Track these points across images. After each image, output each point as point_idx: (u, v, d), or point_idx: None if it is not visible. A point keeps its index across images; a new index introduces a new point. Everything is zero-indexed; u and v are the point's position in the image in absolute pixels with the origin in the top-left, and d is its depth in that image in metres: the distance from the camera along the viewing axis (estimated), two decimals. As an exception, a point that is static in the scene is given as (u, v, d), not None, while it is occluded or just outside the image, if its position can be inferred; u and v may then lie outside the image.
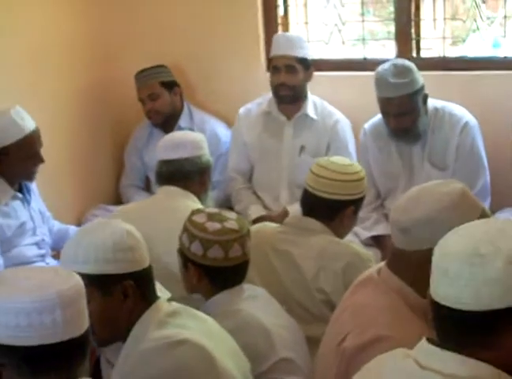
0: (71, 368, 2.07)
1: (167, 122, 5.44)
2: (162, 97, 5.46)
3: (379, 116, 4.90)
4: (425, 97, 4.75)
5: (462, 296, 1.89)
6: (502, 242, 1.88)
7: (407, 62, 4.77)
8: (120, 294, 2.74)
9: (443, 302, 1.94)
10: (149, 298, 2.82)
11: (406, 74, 4.66)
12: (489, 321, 1.89)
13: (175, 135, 4.56)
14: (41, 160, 4.54)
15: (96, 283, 2.66)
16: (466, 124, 4.81)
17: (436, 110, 4.85)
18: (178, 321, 2.81)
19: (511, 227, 1.96)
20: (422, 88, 4.71)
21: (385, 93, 4.69)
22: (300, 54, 5.09)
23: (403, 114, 4.70)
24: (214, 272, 3.26)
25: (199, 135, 4.44)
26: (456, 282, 1.90)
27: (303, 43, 5.17)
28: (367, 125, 5.02)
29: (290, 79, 5.09)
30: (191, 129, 5.04)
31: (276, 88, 5.14)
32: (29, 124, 4.48)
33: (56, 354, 2.03)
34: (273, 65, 5.17)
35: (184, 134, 4.56)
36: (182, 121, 5.50)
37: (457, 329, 1.93)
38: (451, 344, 1.95)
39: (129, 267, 2.76)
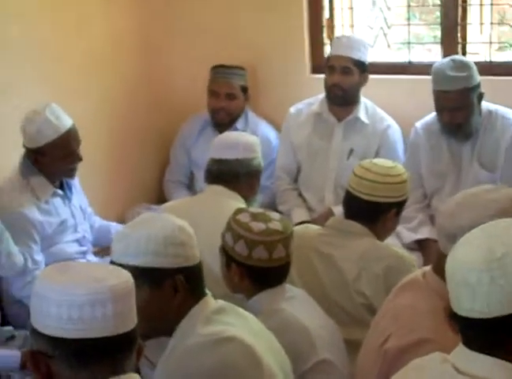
0: (119, 362, 2.08)
1: (227, 123, 5.45)
2: (238, 99, 5.50)
3: (431, 115, 4.91)
4: (480, 96, 4.76)
5: (488, 304, 1.90)
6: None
7: (465, 59, 4.83)
8: (170, 289, 2.74)
9: (470, 315, 1.95)
10: (198, 294, 2.82)
11: (464, 69, 4.68)
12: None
13: (230, 135, 4.56)
14: (79, 158, 4.53)
15: (146, 276, 2.67)
16: (518, 128, 4.82)
17: (489, 112, 4.85)
18: (225, 318, 2.82)
19: None
20: (478, 85, 4.73)
21: (443, 86, 4.70)
22: (357, 56, 5.09)
23: (458, 108, 4.71)
24: (257, 272, 3.27)
25: (254, 138, 4.42)
26: (478, 291, 1.90)
27: (361, 46, 5.16)
28: (418, 124, 5.01)
29: (344, 80, 5.10)
30: (245, 131, 5.03)
31: (330, 89, 5.16)
32: (65, 122, 4.47)
33: (105, 347, 2.04)
34: (329, 64, 5.19)
35: (239, 135, 4.54)
36: (239, 123, 5.51)
37: (489, 338, 1.95)
38: (481, 350, 1.96)
39: (181, 262, 2.76)
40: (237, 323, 2.84)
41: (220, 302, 2.90)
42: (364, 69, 5.13)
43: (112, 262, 2.70)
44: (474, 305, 1.92)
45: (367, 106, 5.23)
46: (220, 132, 5.14)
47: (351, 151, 5.15)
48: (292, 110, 5.38)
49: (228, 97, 5.47)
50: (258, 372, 2.74)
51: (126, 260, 2.68)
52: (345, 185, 3.99)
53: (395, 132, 5.21)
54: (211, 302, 2.86)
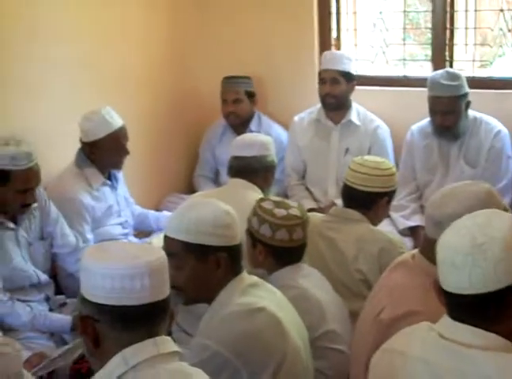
0: (154, 326, 2.09)
1: (240, 125, 5.43)
2: (244, 103, 5.48)
3: (425, 120, 4.94)
4: (468, 103, 4.80)
5: (470, 282, 1.93)
6: (494, 232, 1.94)
7: (457, 71, 4.85)
8: (213, 264, 2.75)
9: (455, 291, 1.98)
10: (236, 270, 2.83)
11: (456, 79, 4.72)
12: (495, 299, 1.92)
13: (247, 136, 4.58)
14: (127, 152, 4.58)
15: (194, 251, 2.70)
16: (499, 132, 4.87)
17: (475, 118, 4.89)
18: (257, 292, 2.83)
19: (496, 217, 2.03)
20: (466, 94, 4.76)
21: (437, 92, 4.75)
22: (342, 68, 5.11)
23: (448, 112, 4.75)
24: (279, 252, 3.28)
25: (268, 138, 4.44)
26: (463, 271, 1.93)
27: (345, 59, 5.18)
28: (414, 127, 5.04)
29: (333, 89, 5.12)
30: (259, 132, 5.02)
31: (323, 98, 5.18)
32: (117, 122, 4.53)
33: (143, 313, 2.05)
34: (320, 77, 5.21)
35: (255, 136, 4.57)
36: (253, 125, 5.50)
37: (470, 311, 1.97)
38: (464, 321, 1.98)
39: (225, 241, 2.77)
40: (267, 296, 2.86)
41: (254, 278, 2.92)
42: (350, 78, 5.16)
43: (165, 236, 2.77)
44: (459, 282, 1.96)
45: (359, 111, 5.24)
46: (238, 134, 5.18)
47: (347, 150, 5.16)
48: (296, 118, 5.39)
49: (235, 102, 5.48)
50: (283, 340, 2.75)
51: (178, 235, 2.72)
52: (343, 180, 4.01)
53: (384, 131, 5.22)
54: (246, 278, 2.87)
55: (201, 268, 2.74)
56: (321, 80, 5.20)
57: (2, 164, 3.78)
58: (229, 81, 5.50)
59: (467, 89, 4.74)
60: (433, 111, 4.82)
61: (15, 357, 1.68)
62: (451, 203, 2.70)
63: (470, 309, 1.98)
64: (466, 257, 1.94)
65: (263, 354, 2.70)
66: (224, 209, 2.83)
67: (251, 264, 3.36)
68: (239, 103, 5.48)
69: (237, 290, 2.79)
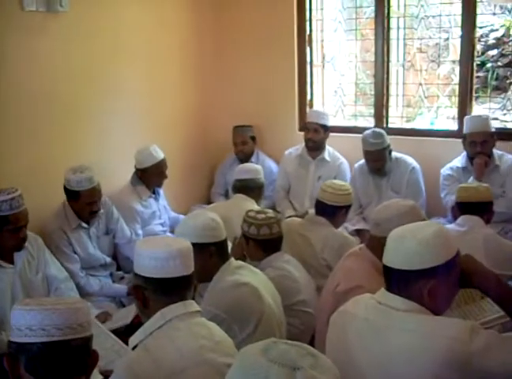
0: (183, 292, 2.11)
1: (245, 159, 5.39)
2: (248, 145, 5.45)
3: (362, 161, 4.90)
4: (390, 151, 4.77)
5: (401, 260, 1.95)
6: (417, 232, 1.95)
7: (380, 130, 4.79)
8: (208, 254, 2.76)
9: (390, 265, 1.99)
10: (224, 257, 2.84)
11: (380, 137, 4.69)
12: (413, 276, 1.93)
13: (245, 165, 4.58)
14: (165, 177, 4.59)
15: (194, 247, 2.64)
16: (413, 167, 4.83)
17: (396, 158, 4.84)
18: (242, 272, 2.85)
19: (421, 226, 2.03)
20: (388, 146, 4.73)
21: (367, 148, 4.72)
22: (321, 121, 5.06)
23: (376, 160, 4.74)
24: (264, 243, 3.29)
25: (259, 167, 4.48)
26: (399, 251, 1.96)
27: (323, 115, 5.14)
28: (356, 165, 4.99)
29: (315, 136, 5.08)
30: (257, 164, 4.99)
31: (306, 141, 5.14)
32: (160, 155, 4.54)
33: (175, 283, 2.07)
34: (306, 127, 5.17)
35: (250, 165, 4.57)
36: (253, 158, 5.46)
37: (398, 281, 1.97)
38: (396, 291, 1.98)
39: (212, 239, 2.78)
40: (249, 274, 2.88)
41: (240, 262, 2.93)
42: (326, 129, 5.11)
43: None
44: (395, 259, 1.97)
45: (329, 151, 5.19)
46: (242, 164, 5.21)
47: (319, 177, 5.09)
48: (286, 152, 5.34)
49: (243, 144, 5.44)
50: (261, 304, 2.78)
51: (183, 237, 2.64)
52: (316, 197, 3.99)
53: (345, 166, 5.17)
54: (233, 262, 2.88)
55: (200, 258, 2.65)
56: (306, 129, 5.16)
57: (73, 186, 3.84)
58: (238, 129, 5.47)
59: (387, 142, 4.71)
60: (366, 159, 4.80)
61: (86, 310, 1.67)
62: (387, 210, 2.76)
63: (398, 281, 1.97)
64: (397, 243, 1.97)
65: (247, 313, 2.74)
66: (209, 217, 2.83)
67: (249, 257, 3.35)
68: (246, 145, 5.44)
69: (227, 271, 2.81)
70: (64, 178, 3.87)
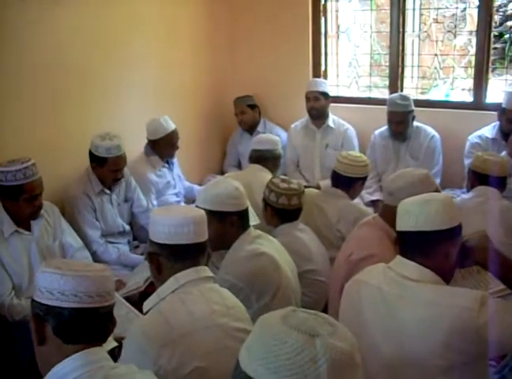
0: (197, 259, 2.13)
1: (250, 128, 5.40)
2: (247, 114, 5.41)
3: (383, 127, 4.90)
4: (413, 117, 4.77)
5: (416, 221, 1.98)
6: (431, 197, 2.04)
7: (407, 94, 4.84)
8: (229, 224, 2.76)
9: (407, 229, 2.02)
10: (245, 226, 2.83)
11: (406, 100, 4.70)
12: (432, 237, 1.97)
13: (263, 136, 4.53)
14: (177, 148, 4.58)
15: (215, 216, 2.68)
16: (433, 136, 4.83)
17: (417, 127, 4.84)
18: (260, 241, 2.85)
19: (432, 194, 2.12)
20: (412, 111, 4.72)
21: (393, 108, 4.71)
22: (321, 89, 5.06)
23: (400, 123, 4.73)
24: (281, 212, 3.29)
25: (277, 138, 4.43)
26: (411, 214, 2.00)
27: (322, 83, 5.13)
28: (377, 132, 4.99)
29: (316, 104, 5.07)
30: (265, 133, 5.00)
31: (309, 110, 5.14)
32: (171, 126, 4.52)
33: (189, 250, 2.09)
34: (307, 96, 5.14)
35: (268, 136, 4.53)
36: (260, 127, 5.45)
37: (413, 245, 2.01)
38: (409, 256, 2.01)
39: (235, 208, 2.77)
40: (267, 244, 2.87)
41: (258, 232, 2.92)
42: (327, 96, 5.10)
43: (197, 206, 2.73)
44: (412, 222, 1.99)
45: (333, 118, 5.18)
46: (251, 135, 5.29)
47: (327, 145, 5.11)
48: (292, 126, 5.34)
49: (241, 114, 5.41)
50: (279, 275, 2.78)
51: (204, 205, 2.69)
52: (326, 166, 4.03)
53: (351, 132, 5.16)
54: (252, 231, 2.88)
55: (221, 226, 2.73)
56: (307, 99, 5.14)
57: (101, 152, 3.88)
58: (237, 100, 5.46)
59: (413, 107, 4.71)
60: (390, 121, 4.78)
61: (112, 278, 1.70)
62: (400, 180, 2.75)
63: (413, 244, 2.01)
64: (417, 206, 2.00)
65: (264, 283, 2.73)
66: (233, 185, 2.81)
67: (265, 221, 3.36)
68: (243, 114, 5.41)
69: (246, 241, 2.81)
70: (91, 143, 3.90)
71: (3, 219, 3.33)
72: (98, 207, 3.99)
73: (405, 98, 4.72)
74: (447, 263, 2.00)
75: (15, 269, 3.31)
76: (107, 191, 4.04)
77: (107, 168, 3.91)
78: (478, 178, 3.42)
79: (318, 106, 5.09)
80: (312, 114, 5.15)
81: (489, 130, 4.64)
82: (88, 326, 1.61)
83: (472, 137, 4.67)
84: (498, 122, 4.57)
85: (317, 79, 5.39)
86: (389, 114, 4.76)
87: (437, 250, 1.97)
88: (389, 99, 4.75)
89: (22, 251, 3.37)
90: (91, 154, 3.92)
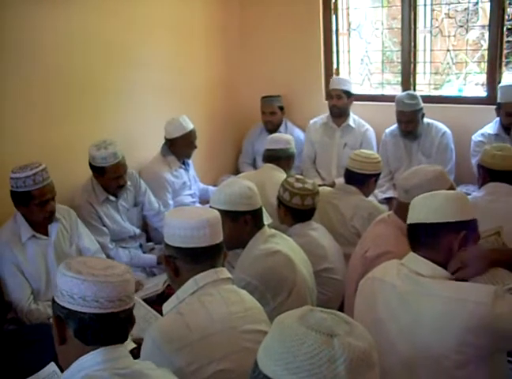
0: (214, 260, 2.14)
1: (273, 128, 5.37)
2: (277, 115, 5.41)
3: (394, 126, 4.89)
4: (423, 115, 4.75)
5: (424, 214, 2.02)
6: (444, 192, 2.09)
7: (415, 92, 4.81)
8: (243, 223, 2.78)
9: (419, 221, 2.05)
10: (259, 225, 2.84)
11: (414, 98, 4.67)
12: (444, 228, 2.00)
13: (276, 135, 4.53)
14: (195, 147, 4.59)
15: (229, 215, 2.70)
16: (444, 132, 4.80)
17: (428, 124, 4.82)
18: (275, 240, 2.85)
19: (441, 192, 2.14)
20: (421, 108, 4.70)
21: (401, 108, 4.69)
22: (344, 87, 5.05)
23: (409, 122, 4.71)
24: (295, 212, 3.30)
25: (290, 137, 4.43)
26: (422, 207, 2.05)
27: (346, 82, 5.12)
28: (387, 130, 4.98)
29: (338, 102, 5.07)
30: (285, 133, 4.97)
31: (331, 108, 5.13)
32: (189, 125, 4.54)
33: (205, 252, 2.10)
34: (330, 94, 5.16)
35: (281, 135, 4.53)
36: (281, 128, 5.44)
37: (426, 238, 2.03)
38: (423, 250, 2.03)
39: (249, 207, 2.78)
40: (282, 242, 2.88)
41: (272, 231, 2.92)
42: (350, 95, 5.09)
43: (211, 206, 2.75)
44: (424, 214, 2.03)
45: (354, 118, 5.17)
46: (270, 134, 5.13)
47: (345, 145, 5.11)
48: (311, 122, 5.33)
49: (271, 114, 5.40)
50: (294, 273, 2.79)
51: (218, 205, 2.71)
52: (343, 165, 4.02)
53: (371, 132, 5.15)
54: (267, 230, 2.88)
55: (235, 226, 2.75)
56: (330, 96, 5.15)
57: (98, 163, 3.88)
58: (267, 99, 5.44)
59: (421, 105, 4.68)
60: (399, 121, 4.77)
61: (133, 281, 1.71)
62: (415, 177, 2.75)
63: (417, 236, 2.05)
64: (422, 199, 2.06)
65: (280, 282, 2.74)
66: (246, 185, 2.82)
67: (278, 220, 3.37)
68: (274, 115, 5.40)
69: (260, 239, 2.82)
70: (89, 154, 3.89)
71: (20, 224, 3.37)
72: (104, 214, 3.99)
73: (413, 96, 4.68)
74: (452, 257, 2.01)
75: (32, 274, 3.35)
76: (113, 198, 4.04)
77: (107, 176, 3.91)
78: (488, 173, 3.36)
79: (340, 105, 5.08)
80: (333, 112, 5.14)
81: (491, 127, 4.62)
82: (108, 330, 1.63)
83: (476, 136, 4.65)
84: (498, 118, 4.55)
85: (340, 77, 5.39)
86: (398, 113, 4.74)
87: (440, 243, 2.00)
88: (397, 99, 4.72)
89: (39, 256, 3.41)
90: (90, 164, 3.93)
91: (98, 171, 3.90)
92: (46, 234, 3.45)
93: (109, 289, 1.60)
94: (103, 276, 1.62)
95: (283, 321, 1.22)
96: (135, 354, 2.53)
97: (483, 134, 4.62)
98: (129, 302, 1.68)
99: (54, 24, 3.91)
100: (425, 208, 2.02)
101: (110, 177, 3.91)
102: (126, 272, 1.69)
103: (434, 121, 4.85)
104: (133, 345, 2.77)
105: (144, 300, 3.36)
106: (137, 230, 4.23)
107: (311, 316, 1.22)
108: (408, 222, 2.08)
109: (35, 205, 3.31)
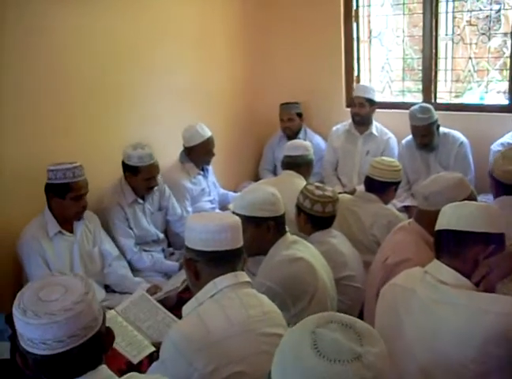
0: (234, 264, 2.15)
1: (292, 135, 5.36)
2: (295, 121, 5.42)
3: (409, 137, 4.87)
4: (438, 126, 4.70)
5: (449, 220, 2.02)
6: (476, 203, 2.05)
7: (428, 105, 4.74)
8: (265, 229, 2.79)
9: (442, 228, 2.04)
10: (282, 231, 2.86)
11: (427, 112, 4.63)
12: (472, 239, 1.98)
13: (294, 142, 4.54)
14: (213, 155, 4.59)
15: (252, 221, 2.73)
16: (462, 142, 4.76)
17: (444, 134, 4.77)
18: (297, 246, 2.86)
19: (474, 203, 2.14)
20: (436, 120, 4.66)
21: (415, 122, 4.67)
22: (367, 96, 5.03)
23: (424, 135, 4.68)
24: (315, 219, 3.29)
25: (308, 143, 4.45)
26: (447, 215, 2.04)
27: (370, 90, 5.11)
28: (404, 141, 4.95)
29: (361, 110, 5.06)
30: (305, 140, 4.96)
31: (353, 116, 5.13)
32: (207, 133, 4.53)
33: (226, 255, 2.11)
34: (352, 102, 5.16)
35: (299, 142, 4.54)
36: (301, 135, 5.43)
37: (452, 245, 2.01)
38: (441, 257, 2.04)
39: (272, 213, 2.80)
40: (304, 249, 2.88)
41: (295, 237, 2.94)
42: (372, 103, 5.08)
43: (233, 212, 2.77)
44: (442, 221, 2.04)
45: (377, 126, 5.17)
46: (290, 140, 5.14)
47: (367, 152, 5.10)
48: (334, 128, 5.33)
49: (289, 121, 5.41)
50: (315, 280, 2.79)
51: (240, 211, 2.74)
52: (364, 172, 4.00)
53: (393, 141, 5.14)
54: (289, 237, 2.90)
55: (257, 232, 2.77)
56: (352, 104, 5.15)
57: (134, 162, 3.93)
58: (285, 106, 5.45)
59: (436, 117, 4.65)
60: (414, 135, 4.76)
61: (90, 308, 1.59)
62: (435, 184, 2.75)
63: (443, 243, 2.04)
64: (454, 207, 2.05)
65: (302, 288, 2.75)
66: (270, 192, 2.84)
67: (298, 228, 3.36)
68: (292, 121, 5.42)
69: (283, 246, 2.83)
70: (123, 153, 3.97)
71: (48, 219, 3.48)
72: (131, 216, 4.04)
73: (425, 110, 4.64)
74: (476, 268, 1.99)
75: (58, 269, 3.38)
76: (140, 201, 4.09)
77: (140, 177, 3.96)
78: (500, 186, 3.21)
79: (362, 113, 5.09)
80: (356, 121, 5.15)
81: (510, 136, 4.59)
82: (64, 366, 1.56)
83: (495, 145, 4.59)
84: None
85: (364, 85, 5.39)
86: (412, 127, 4.72)
87: (467, 253, 1.98)
88: (410, 113, 4.69)
89: (65, 252, 3.52)
90: (124, 164, 3.99)
91: (132, 171, 3.97)
92: (71, 231, 3.57)
93: (54, 330, 1.52)
94: (49, 316, 1.52)
95: (295, 350, 1.24)
96: (154, 357, 2.55)
97: (502, 144, 4.56)
98: (88, 332, 1.57)
99: (76, 27, 3.90)
100: (455, 216, 2.01)
101: (143, 177, 3.97)
102: (80, 300, 1.57)
103: (450, 130, 4.81)
104: (152, 348, 2.78)
105: (163, 304, 3.36)
106: (161, 235, 4.26)
107: (322, 340, 1.23)
108: (437, 228, 2.07)
109: (71, 199, 3.45)
